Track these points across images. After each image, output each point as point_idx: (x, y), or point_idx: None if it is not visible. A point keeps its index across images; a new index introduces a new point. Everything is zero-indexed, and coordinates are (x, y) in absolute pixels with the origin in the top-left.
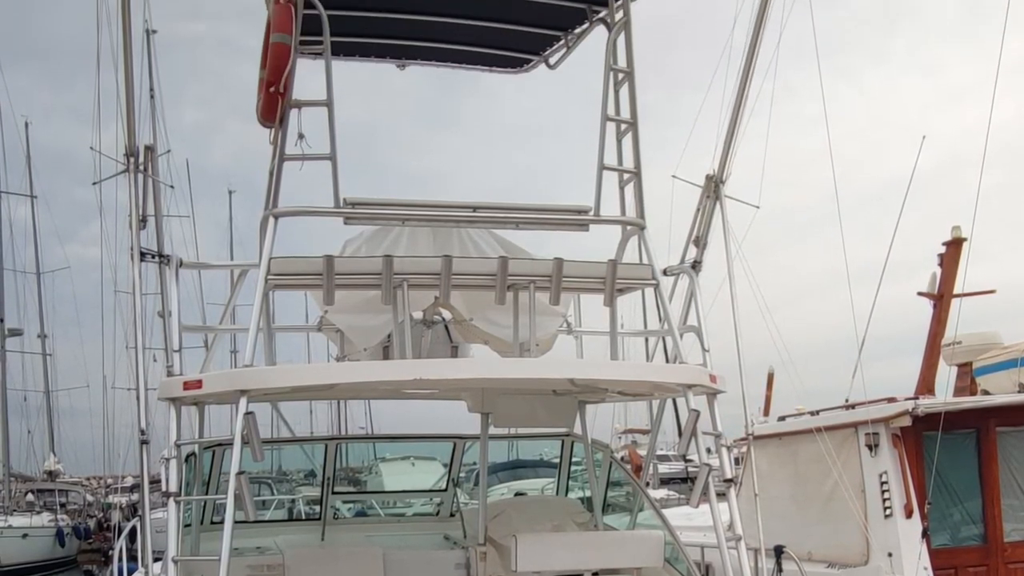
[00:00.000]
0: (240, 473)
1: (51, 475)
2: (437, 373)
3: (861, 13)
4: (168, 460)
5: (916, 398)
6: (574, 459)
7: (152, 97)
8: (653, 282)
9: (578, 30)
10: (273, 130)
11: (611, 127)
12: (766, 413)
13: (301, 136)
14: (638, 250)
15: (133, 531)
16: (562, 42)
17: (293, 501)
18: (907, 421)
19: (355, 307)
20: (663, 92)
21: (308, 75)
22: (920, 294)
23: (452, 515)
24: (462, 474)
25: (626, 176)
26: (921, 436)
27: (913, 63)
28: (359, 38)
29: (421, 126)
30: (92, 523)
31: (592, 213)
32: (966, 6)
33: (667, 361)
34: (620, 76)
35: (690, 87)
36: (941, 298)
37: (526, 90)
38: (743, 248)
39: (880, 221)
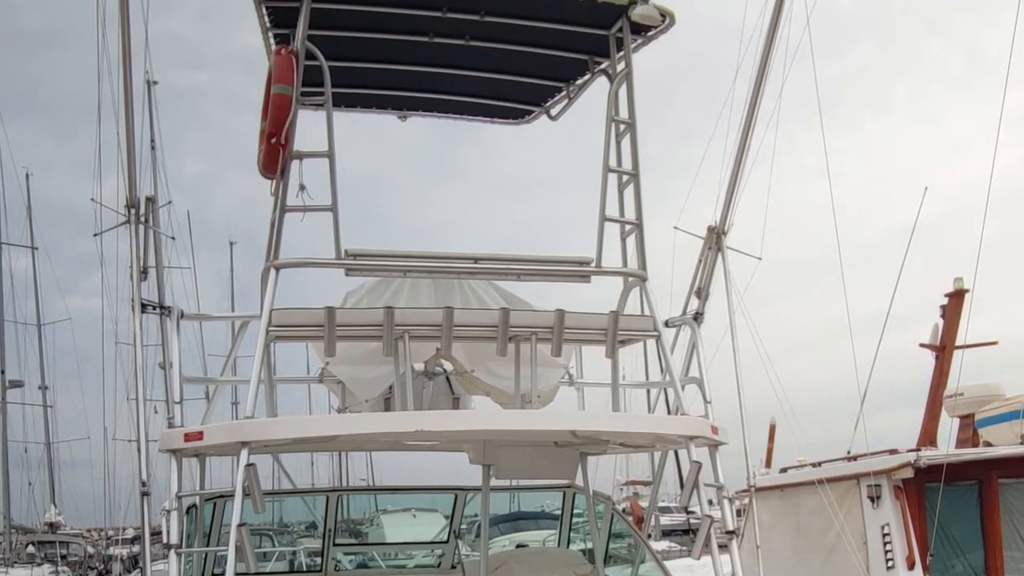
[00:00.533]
0: (241, 525)
1: (52, 527)
2: (438, 425)
3: (863, 64)
4: (169, 512)
5: (918, 450)
6: (576, 511)
7: (153, 148)
8: (655, 334)
9: (580, 81)
10: (274, 181)
11: (613, 178)
12: (768, 464)
13: (302, 187)
14: (640, 301)
15: None
16: (563, 93)
17: (294, 553)
18: (909, 473)
19: (356, 359)
20: (665, 143)
21: (309, 126)
22: (922, 346)
23: (454, 567)
24: (464, 526)
25: (628, 227)
26: (923, 488)
27: (915, 114)
28: (360, 89)
29: (422, 177)
30: (93, 575)
31: (594, 264)
32: (967, 57)
33: (669, 412)
34: (622, 127)
35: (692, 138)
36: (943, 350)
37: (527, 141)
38: (745, 299)
39: (882, 272)
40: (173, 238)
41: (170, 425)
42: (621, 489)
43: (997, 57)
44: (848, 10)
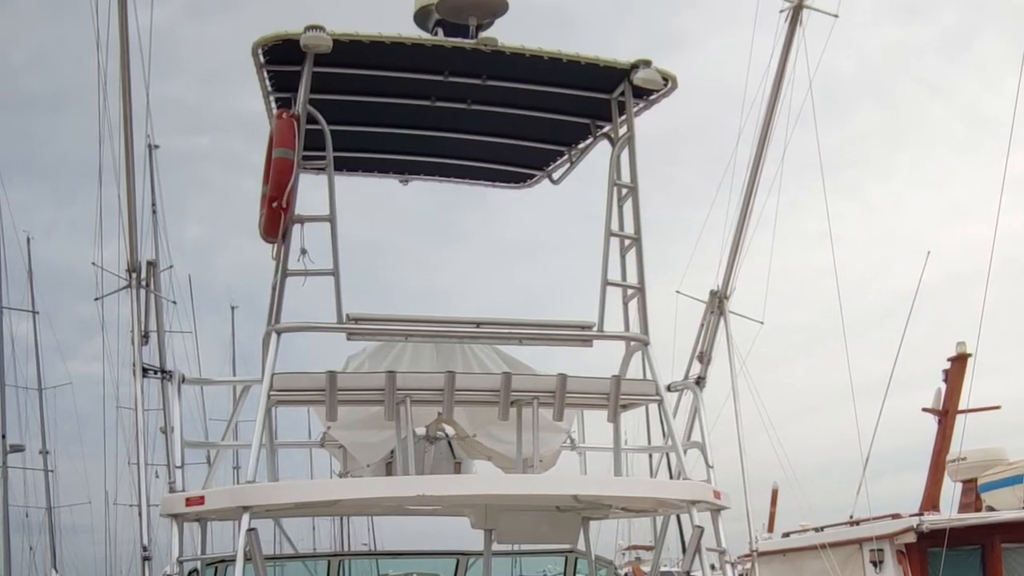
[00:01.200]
0: None
1: None
2: (440, 489)
3: (865, 128)
4: None
5: (921, 514)
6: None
7: (154, 212)
8: (657, 398)
9: (582, 145)
10: (276, 246)
11: (615, 242)
12: (771, 529)
13: (304, 251)
14: (642, 365)
15: None
16: (565, 157)
17: None
18: (912, 537)
19: (358, 423)
20: (667, 207)
21: (311, 190)
22: (925, 410)
23: None
24: None
25: (630, 291)
26: (926, 552)
27: (917, 178)
28: (362, 153)
29: (424, 241)
30: None
31: (596, 328)
32: (970, 121)
33: (671, 477)
34: (624, 191)
35: (694, 202)
36: (946, 414)
37: (529, 204)
38: (747, 363)
39: (885, 336)
40: (174, 302)
41: (171, 490)
42: (623, 554)
43: (999, 122)
44: (850, 74)
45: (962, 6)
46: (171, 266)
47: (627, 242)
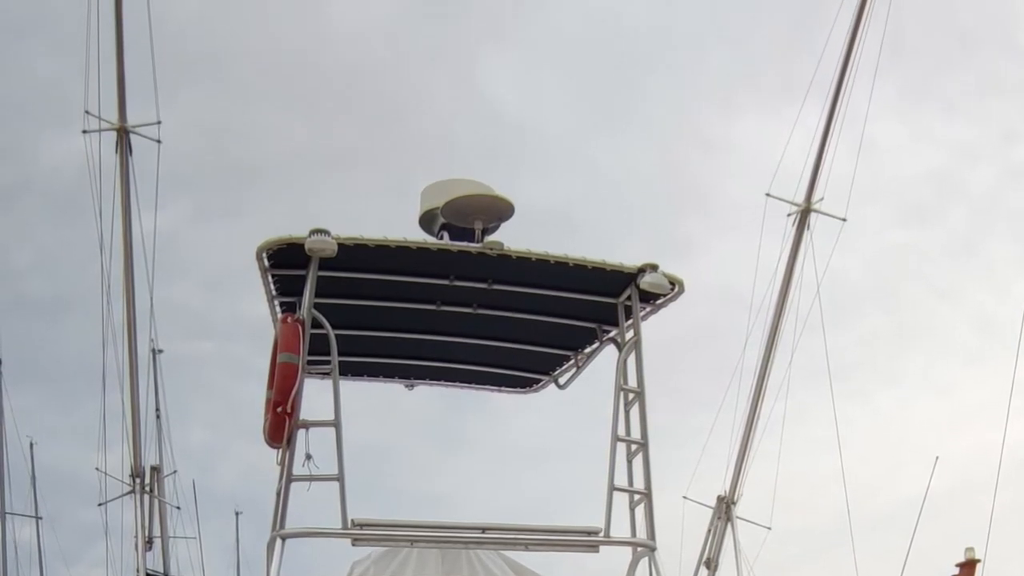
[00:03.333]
0: None
1: None
2: None
3: (873, 333)
4: None
5: None
6: None
7: (158, 417)
8: None
9: (588, 349)
10: (280, 451)
11: (621, 447)
12: None
13: (308, 457)
14: (649, 572)
15: None
16: (572, 362)
17: None
18: None
19: None
20: (674, 411)
21: (316, 394)
22: None
23: None
24: None
25: (636, 497)
26: None
27: (925, 384)
28: (367, 358)
29: (429, 446)
30: None
31: (602, 534)
32: (979, 326)
33: None
34: (630, 396)
35: (701, 406)
36: None
37: (534, 409)
38: (755, 570)
39: (893, 542)
40: (178, 508)
41: None
42: None
43: (1008, 327)
44: (857, 279)
45: (971, 209)
46: (175, 471)
47: (634, 447)
